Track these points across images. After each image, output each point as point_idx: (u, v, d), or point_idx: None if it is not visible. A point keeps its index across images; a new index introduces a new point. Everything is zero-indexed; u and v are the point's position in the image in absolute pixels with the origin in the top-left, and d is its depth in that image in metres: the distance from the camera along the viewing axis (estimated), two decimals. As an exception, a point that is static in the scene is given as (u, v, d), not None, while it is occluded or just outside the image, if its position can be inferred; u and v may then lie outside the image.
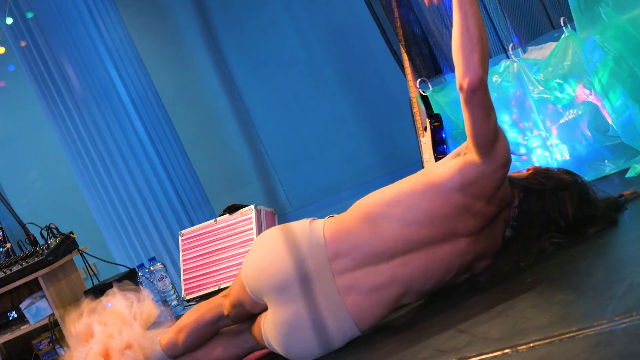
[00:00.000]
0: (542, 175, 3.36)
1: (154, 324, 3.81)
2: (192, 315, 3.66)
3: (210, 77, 8.36)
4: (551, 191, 3.29)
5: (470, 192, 3.15)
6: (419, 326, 3.17)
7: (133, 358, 3.59)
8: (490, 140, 3.06)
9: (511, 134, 4.38)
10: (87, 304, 3.90)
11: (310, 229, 3.29)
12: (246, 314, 3.53)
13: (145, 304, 3.80)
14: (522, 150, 4.37)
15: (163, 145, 7.19)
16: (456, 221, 3.18)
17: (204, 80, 8.39)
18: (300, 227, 3.32)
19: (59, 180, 7.99)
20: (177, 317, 5.33)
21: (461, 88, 2.98)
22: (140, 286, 5.39)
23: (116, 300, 3.82)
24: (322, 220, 3.33)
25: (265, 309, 3.41)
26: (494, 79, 4.38)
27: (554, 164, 4.24)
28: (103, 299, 3.88)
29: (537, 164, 4.19)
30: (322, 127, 7.92)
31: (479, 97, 2.97)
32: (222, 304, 3.58)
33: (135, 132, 7.06)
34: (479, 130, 3.05)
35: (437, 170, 3.22)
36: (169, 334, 3.68)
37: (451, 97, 4.58)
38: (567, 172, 3.40)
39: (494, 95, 4.38)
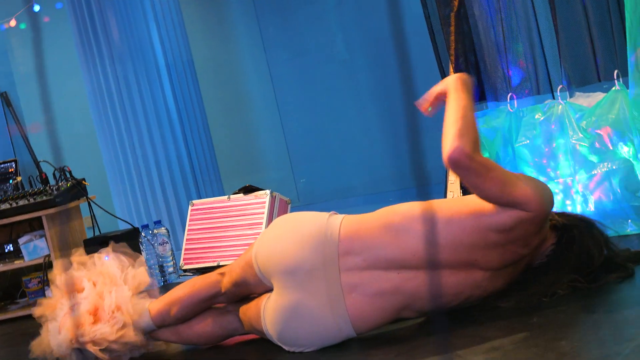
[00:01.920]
0: (572, 217, 3.38)
1: (143, 291, 3.79)
2: (187, 289, 3.64)
3: (246, 58, 8.36)
4: (587, 234, 3.31)
5: (510, 236, 3.14)
6: (416, 343, 3.16)
7: (121, 321, 3.57)
8: (500, 196, 3.08)
9: (548, 170, 4.37)
10: (77, 256, 3.88)
11: (328, 223, 3.29)
12: (244, 294, 3.52)
13: (138, 270, 3.78)
14: (558, 192, 4.36)
15: (188, 113, 7.18)
16: (481, 254, 3.17)
17: (239, 60, 8.38)
18: (319, 218, 3.33)
19: (79, 126, 7.99)
20: (170, 284, 5.32)
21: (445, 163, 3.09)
22: (141, 246, 5.38)
23: (109, 260, 3.80)
24: (341, 216, 3.34)
25: (266, 291, 3.40)
26: (536, 116, 4.36)
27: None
28: (95, 255, 3.85)
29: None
30: (346, 130, 7.91)
31: (464, 167, 3.05)
32: (219, 281, 3.56)
33: (163, 95, 7.05)
34: (481, 194, 3.11)
35: (482, 204, 3.17)
36: (160, 304, 3.65)
37: (490, 125, 4.55)
38: (584, 217, 3.43)
39: (532, 132, 4.37)
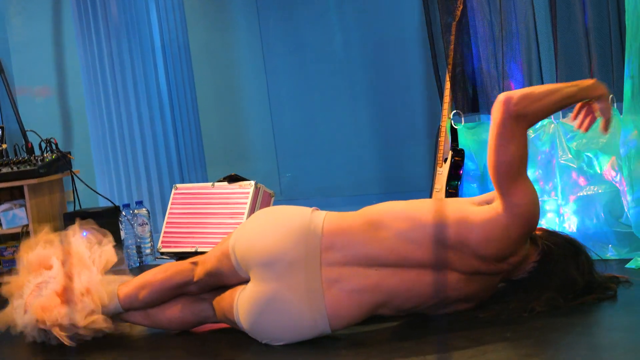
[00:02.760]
0: (558, 237, 3.39)
1: (111, 271, 3.76)
2: (159, 275, 3.62)
3: (243, 49, 8.33)
4: (572, 259, 3.33)
5: (487, 250, 3.20)
6: (391, 346, 3.16)
7: (90, 306, 3.54)
8: (504, 175, 3.12)
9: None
10: (44, 233, 3.86)
11: (311, 217, 3.31)
12: (216, 284, 3.51)
13: (105, 248, 3.76)
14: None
15: (179, 97, 7.15)
16: (457, 256, 3.21)
17: (235, 49, 8.36)
18: (302, 212, 3.36)
19: (69, 99, 7.94)
20: (145, 266, 5.31)
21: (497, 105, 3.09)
22: (120, 225, 5.37)
23: (77, 239, 3.77)
24: (324, 212, 3.37)
25: (240, 282, 3.39)
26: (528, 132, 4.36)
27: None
28: (62, 233, 3.83)
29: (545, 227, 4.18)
30: (336, 129, 7.90)
31: (502, 113, 3.08)
32: (191, 269, 3.55)
33: (155, 76, 7.02)
34: (493, 158, 3.14)
35: (471, 207, 3.25)
36: (129, 287, 3.63)
37: (480, 138, 4.57)
38: (573, 240, 3.45)
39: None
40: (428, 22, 4.83)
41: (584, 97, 3.16)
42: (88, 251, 3.72)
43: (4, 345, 3.78)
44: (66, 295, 3.55)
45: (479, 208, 3.24)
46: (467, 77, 4.72)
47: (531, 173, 4.37)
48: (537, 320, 3.20)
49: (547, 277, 3.33)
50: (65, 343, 3.49)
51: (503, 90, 4.46)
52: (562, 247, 3.37)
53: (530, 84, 4.47)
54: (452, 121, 4.68)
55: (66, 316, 3.50)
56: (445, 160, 4.66)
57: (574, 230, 4.25)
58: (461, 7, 4.62)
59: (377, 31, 7.49)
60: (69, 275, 3.59)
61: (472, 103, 4.72)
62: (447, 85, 4.67)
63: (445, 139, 4.67)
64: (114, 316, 3.64)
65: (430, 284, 3.23)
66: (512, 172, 3.12)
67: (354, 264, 3.22)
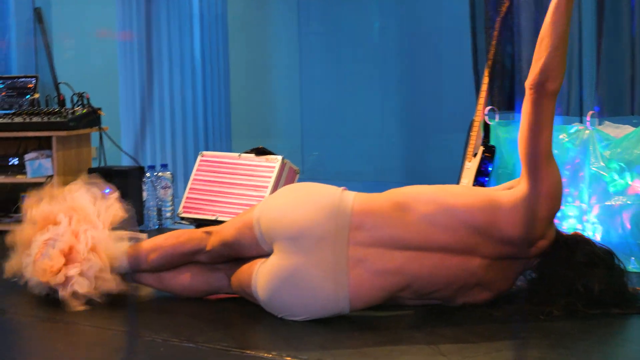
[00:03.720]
0: (583, 242, 3.39)
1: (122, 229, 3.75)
2: (170, 240, 3.62)
3: (279, 25, 8.33)
4: (580, 263, 3.31)
5: (518, 230, 3.24)
6: (402, 334, 3.15)
7: (95, 263, 3.53)
8: (537, 155, 3.21)
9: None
10: (49, 189, 3.86)
11: (341, 196, 3.33)
12: (230, 255, 3.52)
13: (110, 203, 3.75)
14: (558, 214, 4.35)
15: (212, 66, 7.15)
16: (481, 240, 3.25)
17: (271, 25, 8.35)
18: (332, 190, 3.38)
19: (104, 56, 7.94)
20: (164, 229, 5.32)
21: (534, 85, 3.16)
22: (143, 186, 5.37)
23: (80, 194, 3.75)
24: (353, 192, 3.38)
25: (259, 255, 3.39)
26: (560, 137, 4.35)
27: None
28: (66, 188, 3.82)
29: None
30: (364, 114, 7.88)
31: (538, 93, 3.16)
32: (204, 238, 3.55)
33: (190, 42, 7.02)
34: (526, 139, 3.22)
35: (496, 192, 3.32)
36: (138, 249, 3.63)
37: (512, 136, 4.54)
38: (610, 253, 3.42)
39: (554, 152, 4.36)
40: (472, 16, 4.82)
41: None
42: (93, 206, 3.71)
43: (11, 295, 3.80)
44: (73, 255, 3.55)
45: (505, 192, 3.30)
46: (505, 75, 4.71)
47: (564, 176, 4.34)
48: (554, 324, 3.19)
49: (548, 277, 3.35)
50: (72, 307, 3.50)
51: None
52: (592, 255, 3.36)
53: (569, 89, 4.46)
54: (487, 117, 4.66)
55: (73, 279, 3.50)
56: (475, 155, 4.65)
57: (598, 239, 4.23)
58: (507, 3, 4.60)
59: (417, 19, 7.47)
60: (75, 233, 3.59)
61: (508, 101, 4.71)
62: (485, 80, 4.65)
63: (477, 133, 4.65)
64: (124, 276, 3.64)
65: (452, 269, 3.26)
66: (547, 156, 3.23)
67: (380, 245, 3.24)
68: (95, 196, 3.75)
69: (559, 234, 3.40)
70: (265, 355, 2.90)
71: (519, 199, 3.24)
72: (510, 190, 3.30)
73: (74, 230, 3.59)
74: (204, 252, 3.55)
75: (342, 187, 3.40)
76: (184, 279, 3.64)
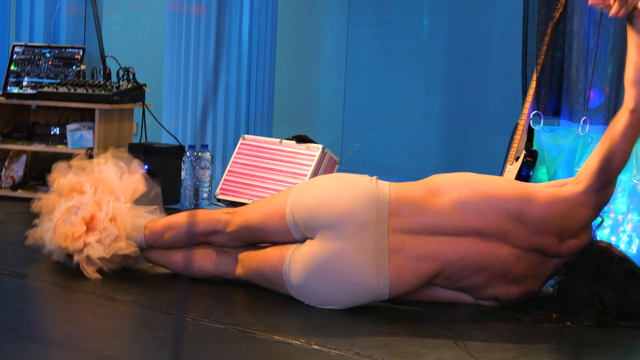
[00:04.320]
0: (620, 259, 3.37)
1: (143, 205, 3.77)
2: (188, 218, 3.67)
3: (328, 14, 8.32)
4: (613, 277, 3.30)
5: (552, 222, 3.29)
6: (430, 332, 3.15)
7: (113, 233, 3.58)
8: (611, 174, 3.29)
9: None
10: (79, 159, 3.91)
11: (377, 185, 3.35)
12: (250, 240, 3.53)
13: (133, 177, 3.78)
14: (606, 225, 4.33)
15: (258, 50, 7.15)
16: (512, 227, 3.28)
17: (321, 13, 8.35)
18: (367, 180, 3.39)
19: (151, 32, 7.98)
20: (200, 209, 5.32)
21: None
22: (182, 165, 5.39)
23: (107, 167, 3.80)
24: (387, 182, 3.39)
25: (286, 241, 3.40)
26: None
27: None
28: (95, 160, 3.87)
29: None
30: (406, 110, 7.87)
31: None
32: (221, 219, 3.55)
33: (239, 24, 7.02)
34: (614, 158, 3.25)
35: (531, 186, 3.40)
36: (156, 225, 3.66)
37: (556, 142, 4.52)
38: (624, 260, 3.41)
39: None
40: (525, 19, 4.79)
41: None
42: (118, 179, 3.75)
43: (32, 261, 3.84)
44: (94, 224, 3.60)
45: (544, 187, 3.36)
46: (554, 81, 4.68)
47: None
48: (584, 333, 3.18)
49: (571, 283, 3.35)
50: (88, 274, 3.54)
51: (587, 101, 4.43)
52: (632, 273, 3.35)
53: (617, 96, 4.43)
54: (531, 121, 4.64)
55: (91, 245, 3.55)
56: (517, 159, 4.63)
57: (634, 251, 4.21)
58: (561, 9, 4.57)
59: (468, 19, 7.43)
60: (98, 203, 3.63)
61: (555, 107, 4.68)
62: (533, 84, 4.62)
63: (521, 137, 4.63)
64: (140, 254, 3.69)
65: (482, 254, 3.29)
66: (616, 175, 3.35)
67: (416, 232, 3.28)
68: (121, 170, 3.80)
69: (594, 242, 3.40)
70: (294, 342, 2.91)
71: (561, 196, 3.28)
72: (552, 188, 3.34)
73: (97, 200, 3.64)
74: (223, 234, 3.56)
75: (374, 177, 3.41)
76: (195, 261, 3.65)
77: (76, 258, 3.57)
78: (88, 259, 3.55)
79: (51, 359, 2.64)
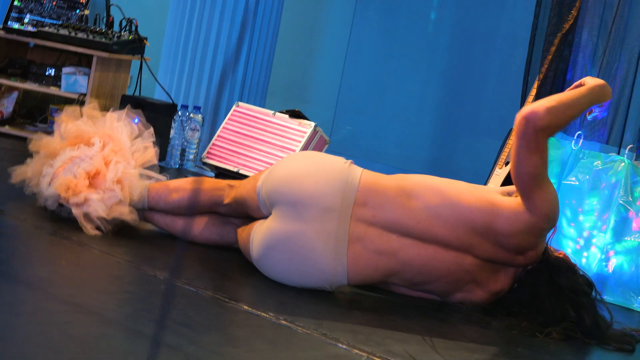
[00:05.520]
0: (567, 268, 3.41)
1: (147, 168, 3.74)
2: (194, 184, 3.63)
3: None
4: (563, 288, 3.34)
5: (510, 241, 3.27)
6: (399, 323, 3.15)
7: (117, 196, 3.52)
8: (526, 182, 3.20)
9: (580, 217, 4.35)
10: (90, 108, 3.83)
11: (349, 170, 3.32)
12: (242, 212, 3.53)
13: (147, 145, 3.73)
14: (580, 240, 4.34)
15: (262, 20, 7.11)
16: (476, 241, 3.26)
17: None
18: (341, 163, 3.36)
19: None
20: (184, 170, 5.31)
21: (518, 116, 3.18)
22: (173, 123, 5.36)
23: (120, 126, 3.74)
24: (360, 168, 3.37)
25: (261, 218, 3.39)
26: (595, 163, 4.33)
27: (593, 268, 4.23)
28: (108, 114, 3.80)
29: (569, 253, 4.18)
30: (401, 100, 7.85)
31: (527, 132, 3.15)
32: (223, 191, 3.55)
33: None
34: (515, 167, 3.21)
35: (498, 196, 3.32)
36: (161, 187, 3.62)
37: (550, 155, 4.52)
38: (590, 284, 3.44)
39: (584, 176, 4.35)
40: (534, 26, 4.77)
41: (598, 102, 3.33)
42: (129, 142, 3.70)
43: (11, 199, 3.78)
44: (97, 180, 3.54)
45: (507, 199, 3.30)
46: (554, 91, 4.66)
47: (590, 202, 4.32)
48: (550, 345, 3.19)
49: (533, 294, 3.37)
50: (87, 231, 3.47)
51: (584, 115, 4.42)
52: (575, 284, 3.38)
53: (614, 118, 4.43)
54: (527, 129, 4.62)
55: (91, 202, 3.48)
56: (507, 164, 4.62)
57: (610, 271, 4.22)
58: (572, 21, 4.56)
59: (476, 18, 7.42)
60: (105, 160, 3.58)
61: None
62: (533, 92, 4.61)
63: (514, 143, 4.61)
64: (139, 212, 3.63)
65: (445, 263, 3.27)
66: (536, 181, 3.21)
67: (380, 226, 3.24)
68: (134, 132, 3.73)
69: (547, 251, 3.42)
70: (262, 314, 2.90)
71: (518, 213, 3.24)
72: (512, 199, 3.30)
73: (106, 157, 3.58)
74: (223, 205, 3.56)
75: (349, 160, 3.39)
76: (198, 227, 3.64)
77: (74, 211, 3.49)
78: (86, 215, 3.49)
79: (17, 298, 2.61)
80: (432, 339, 2.99)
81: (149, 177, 3.69)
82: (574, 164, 4.40)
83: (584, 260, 4.32)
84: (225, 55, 6.93)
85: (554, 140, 4.51)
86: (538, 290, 3.35)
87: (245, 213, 3.50)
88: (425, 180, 3.33)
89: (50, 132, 3.80)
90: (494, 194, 3.33)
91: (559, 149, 4.48)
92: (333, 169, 3.31)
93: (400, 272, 3.28)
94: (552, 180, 4.43)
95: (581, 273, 3.45)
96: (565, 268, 3.40)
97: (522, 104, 4.69)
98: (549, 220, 3.25)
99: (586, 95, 3.26)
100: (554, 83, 4.66)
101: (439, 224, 3.23)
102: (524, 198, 3.23)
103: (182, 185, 3.62)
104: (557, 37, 4.59)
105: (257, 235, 3.31)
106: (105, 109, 3.90)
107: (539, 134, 3.14)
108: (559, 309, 3.31)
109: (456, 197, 3.26)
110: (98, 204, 3.46)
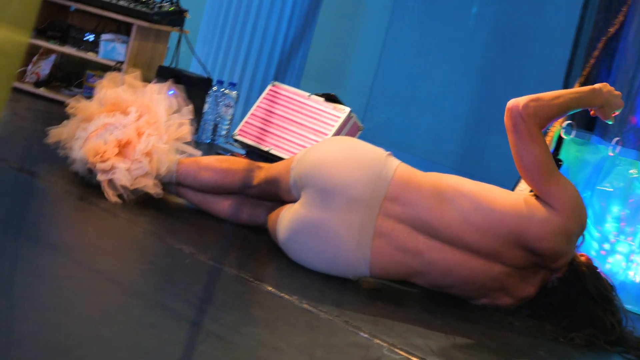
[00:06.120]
0: (594, 273, 3.40)
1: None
2: (225, 164, 3.59)
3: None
4: (596, 297, 3.33)
5: (547, 242, 3.21)
6: (420, 317, 3.13)
7: (144, 168, 3.50)
8: (535, 176, 3.22)
9: (608, 225, 4.31)
10: (133, 77, 3.81)
11: (385, 162, 3.27)
12: (271, 194, 3.50)
13: (183, 122, 3.70)
14: (606, 245, 4.30)
15: (303, 1, 7.09)
16: (507, 249, 3.20)
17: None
18: (378, 154, 3.31)
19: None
20: (214, 145, 5.29)
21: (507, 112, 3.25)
22: (207, 98, 5.34)
23: (160, 99, 3.71)
24: (398, 161, 3.32)
25: (291, 202, 3.37)
26: (630, 171, 4.29)
27: (618, 276, 4.20)
28: (149, 85, 3.78)
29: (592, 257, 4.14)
30: (436, 92, 7.82)
31: (513, 119, 3.21)
32: (253, 172, 3.53)
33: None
34: (518, 161, 3.24)
35: (532, 200, 3.26)
36: (191, 163, 3.59)
37: (583, 156, 4.48)
38: (613, 287, 3.43)
39: (619, 183, 4.31)
40: (579, 28, 4.72)
41: (587, 105, 3.37)
42: (166, 116, 3.68)
43: (44, 161, 3.76)
44: (127, 150, 3.53)
45: (540, 204, 3.24)
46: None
47: (617, 210, 4.28)
48: (573, 351, 3.16)
49: (571, 302, 3.33)
50: (108, 197, 3.44)
51: (625, 122, 4.38)
52: (596, 285, 3.36)
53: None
54: (563, 130, 4.59)
55: (117, 171, 3.46)
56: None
57: (637, 280, 4.18)
58: (617, 26, 4.50)
59: (518, 15, 7.37)
60: (138, 131, 3.56)
61: (589, 121, 4.62)
62: (573, 93, 4.57)
63: (549, 144, 4.58)
64: (167, 185, 3.62)
65: (472, 270, 3.22)
66: (544, 172, 3.21)
67: (409, 224, 3.19)
68: (172, 107, 3.71)
69: (575, 258, 3.38)
70: (285, 296, 2.88)
71: (548, 210, 3.21)
72: (543, 204, 3.24)
73: (139, 128, 3.56)
74: (252, 187, 3.54)
75: (387, 152, 3.34)
76: (227, 206, 3.63)
77: (99, 177, 3.47)
78: (111, 182, 3.47)
79: (41, 260, 2.60)
80: (454, 335, 2.97)
81: (182, 152, 3.67)
82: (610, 170, 4.35)
83: (607, 266, 4.29)
84: (263, 33, 6.91)
85: (590, 144, 4.47)
86: (570, 297, 3.31)
87: (275, 195, 3.48)
88: (460, 183, 3.27)
89: (85, 98, 3.79)
90: (528, 198, 3.27)
91: (595, 153, 4.44)
92: (368, 159, 3.26)
93: (424, 273, 3.23)
94: (588, 185, 4.40)
95: (604, 276, 3.43)
96: (592, 274, 3.37)
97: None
98: (577, 217, 3.22)
99: (575, 92, 3.33)
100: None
101: (470, 230, 3.18)
102: (543, 195, 3.21)
103: (212, 164, 3.59)
104: (602, 42, 4.54)
105: (284, 219, 3.29)
106: (142, 78, 3.88)
107: (527, 123, 3.18)
108: (589, 316, 3.28)
109: (490, 203, 3.20)
110: (123, 173, 3.45)
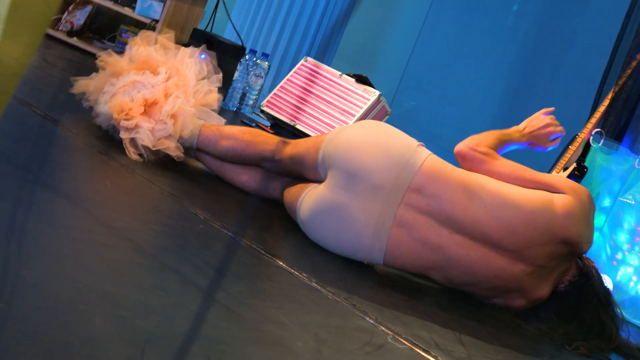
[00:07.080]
0: (599, 275, 3.42)
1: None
2: (247, 136, 3.57)
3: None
4: (605, 304, 3.34)
5: (572, 226, 3.23)
6: (428, 310, 3.10)
7: (168, 130, 3.47)
8: (523, 177, 3.29)
9: (622, 237, 4.28)
10: (166, 37, 3.79)
11: (415, 151, 3.22)
12: (293, 171, 3.48)
13: (212, 89, 3.68)
14: (618, 256, 4.28)
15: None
16: (532, 248, 3.18)
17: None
18: (409, 143, 3.26)
19: None
20: (240, 114, 5.28)
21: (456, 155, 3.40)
22: (239, 66, 5.32)
23: (191, 63, 3.68)
24: (429, 152, 3.27)
25: (316, 180, 3.35)
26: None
27: (628, 290, 4.18)
28: (182, 48, 3.75)
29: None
30: (467, 86, 7.79)
31: (466, 156, 3.35)
32: (276, 147, 3.50)
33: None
34: (502, 179, 3.28)
35: (557, 198, 3.25)
36: (213, 130, 3.57)
37: (608, 166, 4.45)
38: (610, 293, 3.43)
39: (630, 200, 4.29)
40: (620, 37, 4.68)
41: (515, 142, 3.58)
42: (195, 80, 3.66)
43: (68, 111, 3.75)
44: (153, 110, 3.51)
45: (552, 194, 3.26)
46: (626, 107, 4.58)
47: (634, 224, 4.25)
48: (577, 358, 3.14)
49: (581, 305, 3.33)
50: (129, 154, 3.43)
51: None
52: (603, 287, 3.39)
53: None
54: (592, 137, 4.55)
55: (140, 130, 3.44)
56: (565, 169, 4.55)
57: (640, 293, 4.18)
58: (657, 40, 4.47)
59: (558, 17, 7.32)
60: (166, 92, 3.55)
61: (619, 132, 4.59)
62: (606, 102, 4.53)
63: (576, 149, 4.55)
64: (188, 150, 3.61)
65: (493, 268, 3.19)
66: (529, 171, 3.31)
67: (432, 216, 3.15)
68: (202, 73, 3.69)
69: (586, 263, 3.39)
70: (295, 273, 2.87)
71: (563, 195, 3.24)
72: (561, 195, 3.26)
73: (167, 89, 3.54)
74: (272, 161, 3.51)
75: (419, 143, 3.30)
76: (245, 177, 3.62)
77: (122, 134, 3.45)
78: (133, 141, 3.45)
79: (55, 209, 2.58)
80: (460, 332, 2.94)
81: (207, 119, 3.65)
82: (634, 183, 4.32)
83: (617, 277, 4.27)
84: (301, 7, 6.89)
85: (617, 155, 4.44)
86: (580, 300, 3.29)
87: (299, 172, 3.46)
88: (486, 180, 3.22)
89: (117, 52, 3.77)
90: (543, 193, 3.25)
91: (621, 164, 4.41)
92: (397, 147, 3.22)
93: (444, 268, 3.20)
94: (610, 195, 4.37)
95: (604, 281, 3.45)
96: (599, 277, 3.36)
97: (592, 112, 4.61)
98: (583, 191, 3.28)
99: (503, 133, 3.54)
100: (629, 97, 4.57)
101: (498, 226, 3.14)
102: (548, 188, 3.25)
103: (234, 134, 3.57)
104: (640, 55, 4.51)
105: (309, 198, 3.26)
106: (176, 40, 3.86)
107: (478, 149, 3.33)
108: (597, 320, 3.27)
109: (518, 200, 3.16)
110: (146, 133, 3.43)
